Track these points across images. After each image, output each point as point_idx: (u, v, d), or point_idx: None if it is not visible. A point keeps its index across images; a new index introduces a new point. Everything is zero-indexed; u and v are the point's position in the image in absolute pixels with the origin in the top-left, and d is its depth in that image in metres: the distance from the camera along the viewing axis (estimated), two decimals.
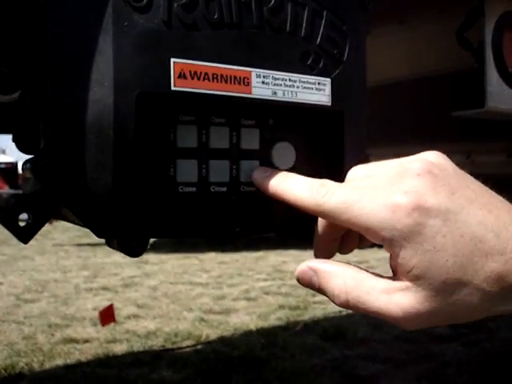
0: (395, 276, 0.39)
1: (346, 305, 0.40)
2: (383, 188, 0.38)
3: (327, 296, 0.42)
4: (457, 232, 0.36)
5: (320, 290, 0.42)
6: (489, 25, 0.87)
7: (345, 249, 0.48)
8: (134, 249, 0.45)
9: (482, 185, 0.39)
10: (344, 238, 0.47)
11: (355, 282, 0.40)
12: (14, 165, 15.23)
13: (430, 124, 1.63)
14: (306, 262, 0.43)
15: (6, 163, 15.40)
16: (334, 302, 0.41)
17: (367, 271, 0.41)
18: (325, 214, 0.41)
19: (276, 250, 6.72)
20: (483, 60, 0.88)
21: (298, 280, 0.43)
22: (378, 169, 0.41)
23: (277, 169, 0.51)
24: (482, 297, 0.36)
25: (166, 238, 0.48)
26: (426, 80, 1.48)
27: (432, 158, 0.39)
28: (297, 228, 0.54)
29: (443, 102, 1.50)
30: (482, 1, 0.88)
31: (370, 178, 0.40)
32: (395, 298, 0.38)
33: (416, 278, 0.37)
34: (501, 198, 0.39)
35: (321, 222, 0.46)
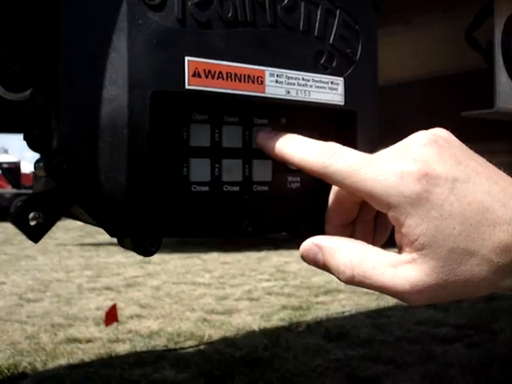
0: (401, 250, 0.38)
1: (351, 280, 0.39)
2: (391, 157, 0.38)
3: (332, 272, 0.41)
4: (464, 200, 0.35)
5: (325, 267, 0.41)
6: (498, 25, 0.87)
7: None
8: (146, 248, 0.45)
9: (485, 160, 0.39)
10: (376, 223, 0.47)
11: (361, 256, 0.39)
12: (17, 164, 15.25)
13: (434, 124, 1.62)
14: (311, 239, 0.42)
15: (8, 163, 15.42)
16: (339, 278, 0.40)
17: (373, 246, 0.40)
18: (330, 177, 0.40)
19: (278, 250, 6.72)
20: (492, 60, 0.87)
21: (303, 257, 0.43)
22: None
23: (288, 169, 0.51)
24: (489, 268, 0.35)
25: (178, 238, 0.47)
26: (431, 80, 1.48)
27: (437, 131, 0.39)
28: (308, 228, 0.53)
29: (449, 102, 1.50)
30: (491, 1, 0.87)
31: (379, 151, 0.41)
32: (402, 272, 0.37)
33: (422, 247, 0.36)
34: (504, 173, 0.39)
35: (330, 204, 0.46)
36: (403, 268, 0.37)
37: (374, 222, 0.47)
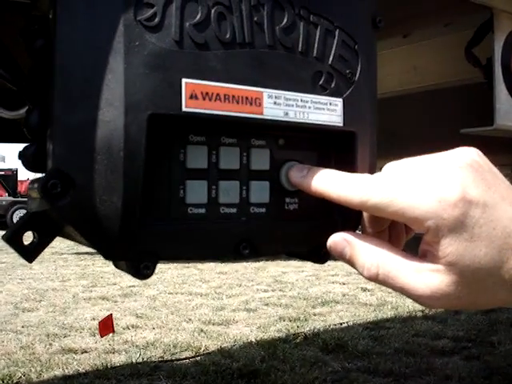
0: (425, 258, 0.40)
1: (374, 278, 0.42)
2: (426, 179, 0.40)
3: (356, 267, 0.44)
4: (491, 225, 0.38)
5: (350, 261, 0.44)
6: (498, 42, 0.86)
7: (395, 242, 0.49)
8: (142, 271, 0.44)
9: (509, 184, 0.41)
10: (391, 230, 0.48)
11: (387, 257, 0.42)
12: (14, 172, 15.23)
13: (434, 137, 1.62)
14: (341, 234, 0.45)
15: (5, 170, 15.41)
16: (362, 274, 0.43)
17: (399, 249, 0.43)
18: (370, 209, 0.42)
19: (276, 260, 6.71)
20: (492, 77, 0.87)
21: (330, 248, 0.46)
22: (415, 162, 0.42)
23: (286, 190, 0.50)
24: (502, 287, 0.39)
25: (175, 260, 0.47)
26: (431, 93, 1.47)
27: (470, 153, 0.41)
28: (307, 250, 0.53)
29: (449, 115, 1.50)
30: (491, 17, 0.87)
31: (410, 171, 0.41)
32: (424, 278, 0.40)
33: (449, 264, 0.39)
34: None
35: (365, 214, 0.48)
36: (426, 274, 0.40)
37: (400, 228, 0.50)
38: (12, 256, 7.24)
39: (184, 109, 0.42)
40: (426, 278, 0.40)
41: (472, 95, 1.26)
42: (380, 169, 0.53)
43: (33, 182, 0.47)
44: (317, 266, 6.17)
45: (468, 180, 0.39)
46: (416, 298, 0.40)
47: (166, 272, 6.03)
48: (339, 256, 0.45)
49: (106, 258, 0.44)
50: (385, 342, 3.37)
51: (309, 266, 6.19)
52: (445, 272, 0.39)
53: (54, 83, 0.42)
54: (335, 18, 0.50)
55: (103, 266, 6.24)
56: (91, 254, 7.32)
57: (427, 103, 1.54)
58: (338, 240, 0.45)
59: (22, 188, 14.64)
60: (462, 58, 1.01)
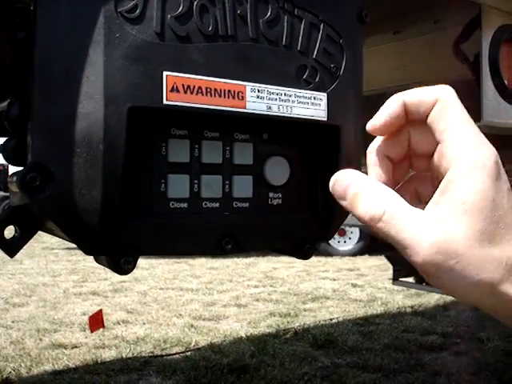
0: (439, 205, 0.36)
1: (377, 219, 0.37)
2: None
3: (357, 207, 0.38)
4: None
5: (352, 200, 0.38)
6: (485, 38, 0.87)
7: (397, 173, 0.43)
8: (122, 266, 0.44)
9: None
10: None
11: (398, 201, 0.37)
12: (5, 167, 15.14)
13: None
14: (347, 170, 0.39)
15: None
16: (364, 215, 0.37)
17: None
18: None
19: (267, 256, 6.71)
20: (479, 73, 0.87)
21: (332, 187, 0.39)
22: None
23: (270, 185, 0.50)
24: (499, 265, 0.35)
25: (156, 255, 0.46)
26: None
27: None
28: (291, 245, 0.53)
29: None
30: (479, 14, 0.87)
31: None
32: (431, 228, 0.36)
33: (463, 213, 0.35)
34: None
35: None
36: (434, 224, 0.36)
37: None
38: (2, 251, 7.20)
39: (165, 102, 0.42)
40: (433, 228, 0.35)
41: (461, 92, 1.26)
42: (364, 164, 0.53)
43: (13, 175, 0.46)
44: (307, 261, 6.18)
45: None
46: (413, 253, 0.36)
47: (157, 267, 6.02)
48: (339, 197, 0.39)
49: (86, 252, 0.44)
50: (374, 337, 3.37)
51: (299, 262, 6.19)
52: (453, 220, 0.35)
53: (34, 76, 0.42)
54: (320, 12, 0.50)
55: (94, 261, 6.21)
56: None
57: None
58: (342, 176, 0.39)
59: None
60: (452, 55, 1.01)
